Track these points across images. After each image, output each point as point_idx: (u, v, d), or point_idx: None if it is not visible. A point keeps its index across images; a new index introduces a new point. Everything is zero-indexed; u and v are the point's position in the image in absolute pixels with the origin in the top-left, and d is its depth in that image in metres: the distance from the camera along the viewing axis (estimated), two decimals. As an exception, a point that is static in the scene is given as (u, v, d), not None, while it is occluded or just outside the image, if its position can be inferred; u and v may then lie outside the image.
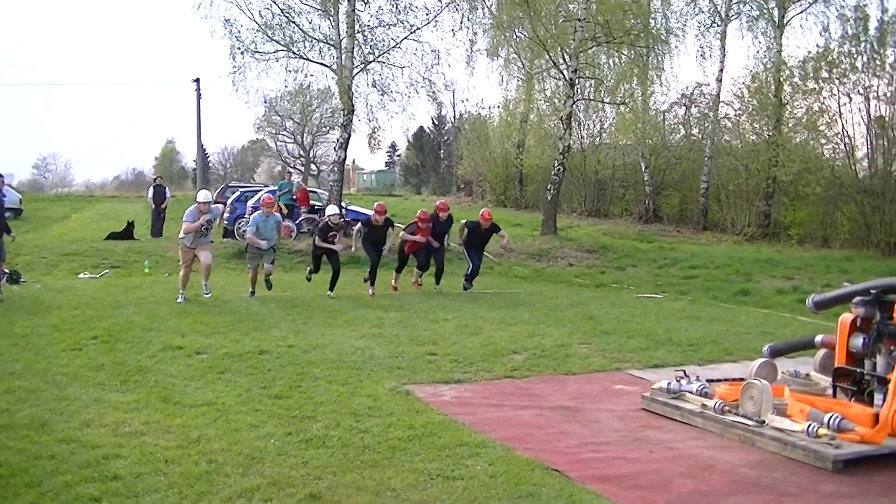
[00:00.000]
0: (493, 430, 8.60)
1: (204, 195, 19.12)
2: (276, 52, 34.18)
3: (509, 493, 6.70)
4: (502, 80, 53.89)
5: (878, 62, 38.61)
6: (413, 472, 7.13)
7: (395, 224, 21.99)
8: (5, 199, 20.53)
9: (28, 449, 7.67)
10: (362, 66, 34.52)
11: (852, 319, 9.39)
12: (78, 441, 7.92)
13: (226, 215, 34.36)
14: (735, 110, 47.38)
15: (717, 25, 46.61)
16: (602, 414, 9.53)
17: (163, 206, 35.91)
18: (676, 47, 48.80)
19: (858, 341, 9.22)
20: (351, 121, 34.10)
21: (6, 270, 20.14)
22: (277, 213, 20.49)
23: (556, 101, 46.00)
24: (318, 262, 20.74)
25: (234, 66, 34.33)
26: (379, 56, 34.83)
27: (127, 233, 33.46)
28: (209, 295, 18.88)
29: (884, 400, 8.47)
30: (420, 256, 21.80)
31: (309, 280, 21.23)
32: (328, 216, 20.49)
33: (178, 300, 18.21)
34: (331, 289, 19.87)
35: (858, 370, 9.18)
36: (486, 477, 7.10)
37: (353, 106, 33.96)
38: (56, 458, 7.42)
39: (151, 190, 36.81)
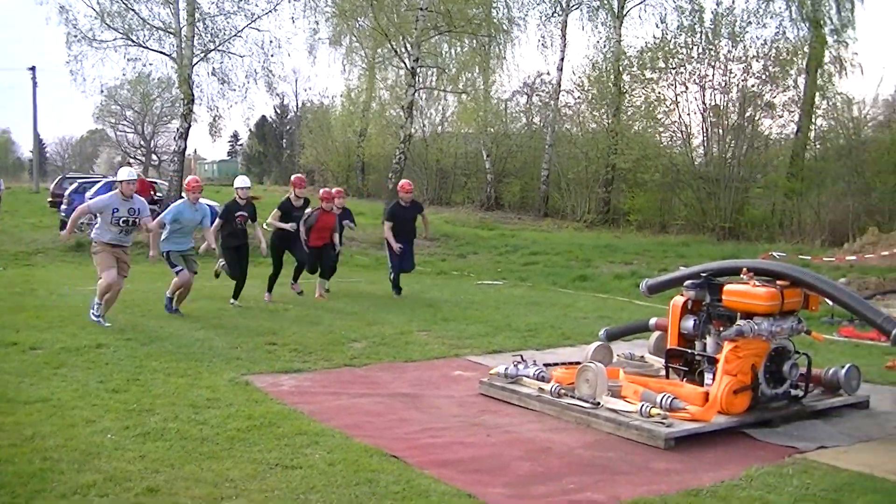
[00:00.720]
0: (332, 418, 8.63)
1: (127, 172, 14.70)
2: (115, 40, 33.62)
3: (348, 481, 6.73)
4: (344, 69, 53.82)
5: (712, 52, 39.62)
6: (252, 463, 7.11)
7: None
8: None
9: None
10: (202, 54, 34.13)
11: (683, 302, 9.68)
12: None
13: (63, 207, 33.70)
14: (575, 99, 48.24)
15: (559, 15, 47.36)
16: (441, 400, 9.64)
17: None
18: (518, 37, 49.37)
19: (689, 323, 9.52)
20: (191, 110, 33.73)
21: None
22: (208, 205, 16.82)
23: (398, 89, 46.16)
24: (232, 258, 16.91)
25: (70, 55, 33.69)
26: (219, 45, 34.49)
27: None
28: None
29: (713, 379, 8.76)
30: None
31: (217, 276, 17.87)
32: (237, 188, 17.21)
33: (95, 318, 13.93)
34: (234, 297, 16.94)
35: (689, 351, 9.47)
36: (325, 465, 7.13)
37: (193, 95, 33.56)
38: None
39: None
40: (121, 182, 14.31)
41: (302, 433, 8.02)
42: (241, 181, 17.45)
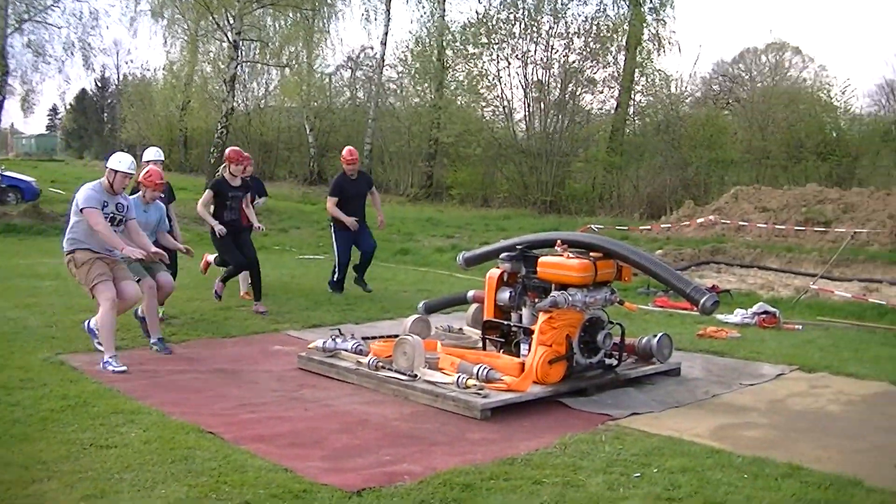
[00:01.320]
0: (149, 396, 8.53)
1: (127, 163, 10.37)
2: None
3: (163, 458, 6.66)
4: (166, 42, 53.01)
5: (534, 29, 40.03)
6: (65, 444, 6.97)
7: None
8: None
9: None
10: (17, 25, 33.15)
11: (499, 274, 9.81)
12: None
13: None
14: (399, 73, 48.26)
15: (383, -11, 47.22)
16: (259, 375, 9.64)
17: None
18: (342, 10, 49.24)
19: (505, 295, 9.66)
20: (5, 83, 32.78)
21: None
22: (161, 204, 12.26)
23: (221, 63, 45.55)
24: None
25: None
26: (35, 15, 33.56)
27: None
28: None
29: (529, 350, 8.91)
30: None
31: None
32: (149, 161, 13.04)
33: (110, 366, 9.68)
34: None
35: (506, 323, 9.61)
36: (140, 443, 7.05)
37: (7, 67, 32.63)
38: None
39: None
40: (117, 172, 10.30)
41: (117, 412, 7.90)
42: (154, 153, 13.32)
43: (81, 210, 9.93)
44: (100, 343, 9.98)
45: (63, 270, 16.82)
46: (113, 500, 5.91)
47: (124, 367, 9.54)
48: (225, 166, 13.87)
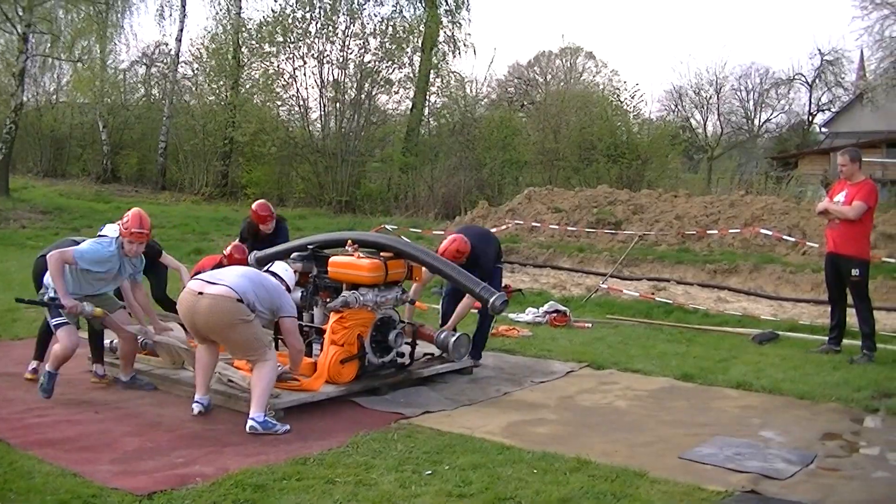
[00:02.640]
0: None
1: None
2: None
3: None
4: (-51, 33, 51.16)
5: (330, 28, 39.99)
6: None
7: None
8: None
9: None
10: None
11: (291, 273, 9.84)
12: None
13: None
14: (194, 71, 47.68)
15: (178, -16, 46.65)
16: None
17: None
18: (137, 5, 48.30)
19: (297, 295, 9.67)
20: None
21: None
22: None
23: (9, 55, 44.28)
24: None
25: None
26: None
27: None
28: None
29: (321, 349, 8.97)
30: None
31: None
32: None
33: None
34: None
35: (299, 322, 9.63)
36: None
37: None
38: None
39: None
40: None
41: None
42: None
43: None
44: None
45: None
46: None
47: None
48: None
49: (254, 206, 12.56)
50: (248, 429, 7.69)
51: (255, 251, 11.13)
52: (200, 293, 8.01)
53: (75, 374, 9.62)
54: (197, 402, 8.27)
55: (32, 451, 6.95)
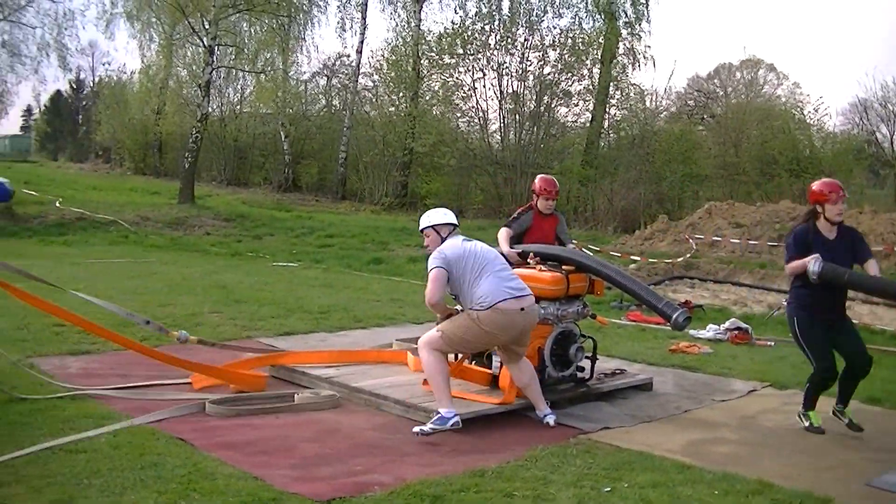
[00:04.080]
0: (119, 401, 8.48)
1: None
2: None
3: (133, 464, 6.62)
4: (142, 45, 52.89)
5: (509, 40, 40.10)
6: (31, 447, 6.91)
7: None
8: None
9: None
10: (-8, 24, 33.08)
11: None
12: None
13: None
14: (374, 82, 48.25)
15: (359, -2, 47.25)
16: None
17: None
18: (318, 17, 49.20)
19: (477, 307, 9.62)
20: (-20, 82, 32.70)
21: None
22: None
23: (195, 67, 45.53)
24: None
25: None
26: (9, 14, 33.47)
27: None
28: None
29: (502, 363, 8.90)
30: None
31: None
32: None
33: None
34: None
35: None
36: (110, 448, 6.99)
37: (-18, 67, 32.55)
38: None
39: None
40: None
41: (87, 416, 7.85)
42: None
43: None
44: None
45: (35, 273, 16.84)
46: (82, 505, 5.87)
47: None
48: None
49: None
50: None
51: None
52: (522, 309, 8.05)
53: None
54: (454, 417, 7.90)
55: (215, 454, 7.03)
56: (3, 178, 35.26)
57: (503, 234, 10.46)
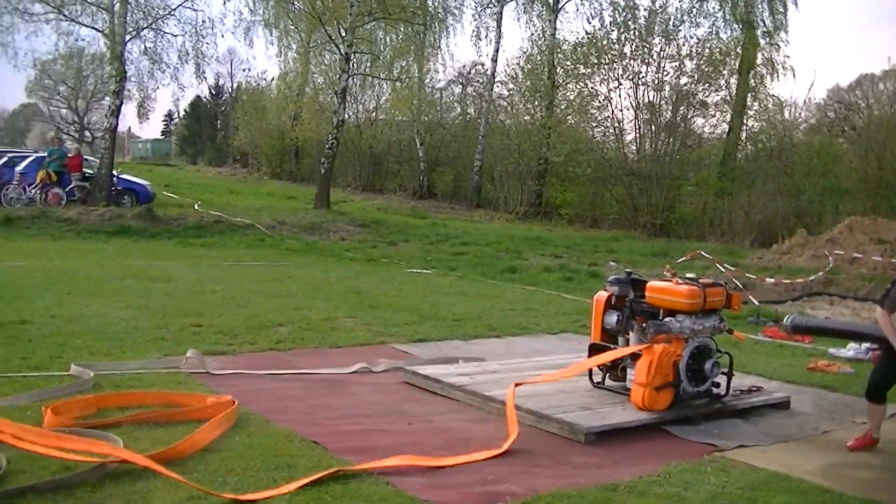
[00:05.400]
0: (254, 402, 8.57)
1: None
2: (46, 13, 33.24)
3: (267, 464, 6.71)
4: (280, 52, 53.66)
5: (645, 50, 39.79)
6: (169, 445, 7.01)
7: None
8: None
9: None
10: (134, 32, 33.83)
11: (607, 297, 9.69)
12: None
13: None
14: (509, 91, 48.29)
15: (494, 6, 47.30)
16: (363, 387, 9.61)
17: None
18: (453, 26, 49.30)
19: (612, 318, 9.53)
20: (123, 88, 33.54)
21: None
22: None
23: (332, 74, 46.05)
24: None
25: (1, 27, 33.37)
26: (152, 23, 34.21)
27: None
28: None
29: (635, 375, 8.80)
30: None
31: None
32: None
33: None
34: None
35: (612, 347, 9.49)
36: (244, 448, 7.11)
37: (125, 72, 33.31)
38: None
39: None
40: None
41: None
42: None
43: None
44: None
45: (174, 274, 17.28)
46: (216, 503, 5.97)
47: None
48: None
49: None
50: None
51: (793, 315, 10.07)
52: None
53: (390, 384, 9.85)
54: None
55: (348, 458, 7.06)
56: (145, 180, 36.18)
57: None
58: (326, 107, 49.39)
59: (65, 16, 33.40)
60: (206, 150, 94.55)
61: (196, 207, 34.05)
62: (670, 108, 39.71)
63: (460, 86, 54.20)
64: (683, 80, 39.41)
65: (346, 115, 42.20)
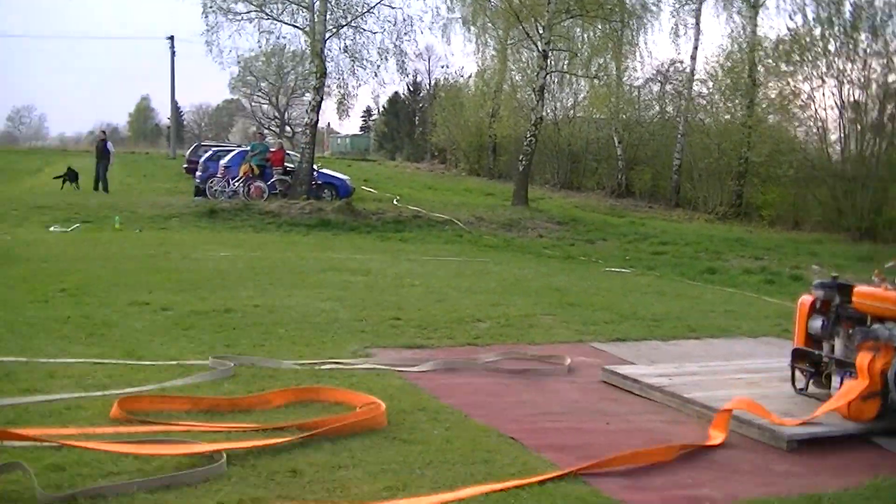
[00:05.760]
0: (452, 396, 8.61)
1: None
2: (249, 12, 34.38)
3: (464, 459, 6.72)
4: (478, 49, 54.06)
5: (850, 46, 38.69)
6: (370, 435, 7.14)
7: None
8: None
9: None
10: (334, 29, 34.56)
11: (811, 301, 9.43)
12: (41, 391, 7.95)
13: (198, 174, 34.70)
14: (709, 89, 47.66)
15: (692, 3, 46.77)
16: (561, 385, 9.54)
17: (108, 162, 36.24)
18: (651, 23, 48.94)
19: (817, 324, 9.26)
20: (323, 84, 34.35)
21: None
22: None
23: (530, 72, 46.18)
24: None
25: (207, 26, 34.54)
26: (351, 20, 34.87)
27: (72, 175, 34.52)
28: None
29: (840, 383, 8.54)
30: None
31: None
32: None
33: None
34: None
35: (816, 352, 9.24)
36: (442, 442, 7.13)
37: (325, 69, 34.05)
38: (18, 408, 7.45)
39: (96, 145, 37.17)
40: None
41: (421, 409, 8.05)
42: None
43: None
44: None
45: (372, 267, 17.56)
46: (414, 494, 6.00)
47: None
48: None
49: None
50: None
51: None
52: None
53: (588, 382, 9.75)
54: None
55: (545, 455, 7.02)
56: (345, 175, 36.89)
57: None
58: (524, 104, 49.55)
59: (267, 14, 34.53)
60: (404, 146, 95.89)
61: (395, 202, 34.54)
62: (877, 107, 38.49)
63: (658, 83, 53.71)
64: (892, 77, 38.20)
65: (544, 113, 42.19)
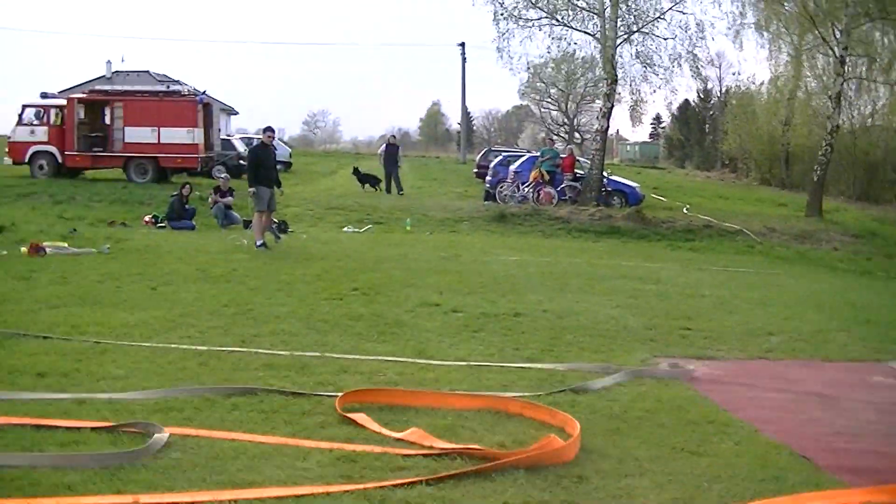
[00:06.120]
0: (742, 409, 8.44)
1: None
2: (540, 19, 34.80)
3: (753, 475, 6.58)
4: (770, 56, 52.97)
5: None
6: (657, 444, 7.12)
7: None
8: (276, 152, 21.48)
9: (288, 388, 8.14)
10: (625, 35, 34.57)
11: None
12: (334, 385, 8.31)
13: (488, 178, 35.27)
14: None
15: None
16: (858, 404, 9.14)
17: (397, 164, 37.02)
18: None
19: None
20: (614, 90, 34.36)
21: (275, 221, 20.90)
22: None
23: (825, 78, 44.90)
24: None
25: (498, 32, 35.09)
26: (642, 26, 34.78)
27: (373, 181, 35.52)
28: None
29: None
30: None
31: None
32: None
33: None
34: None
35: None
36: (732, 456, 7.00)
37: (616, 75, 34.07)
38: (313, 400, 7.82)
39: (384, 147, 37.96)
40: None
41: (710, 421, 7.94)
42: None
43: None
44: None
45: (663, 276, 17.42)
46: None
47: None
48: None
49: None
50: None
51: None
52: None
53: (887, 404, 9.27)
54: None
55: (839, 477, 6.78)
56: (634, 182, 36.77)
57: None
58: (819, 112, 48.24)
59: (557, 21, 34.89)
60: (693, 154, 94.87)
61: (685, 211, 34.20)
62: None
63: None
64: None
65: (841, 121, 40.94)
